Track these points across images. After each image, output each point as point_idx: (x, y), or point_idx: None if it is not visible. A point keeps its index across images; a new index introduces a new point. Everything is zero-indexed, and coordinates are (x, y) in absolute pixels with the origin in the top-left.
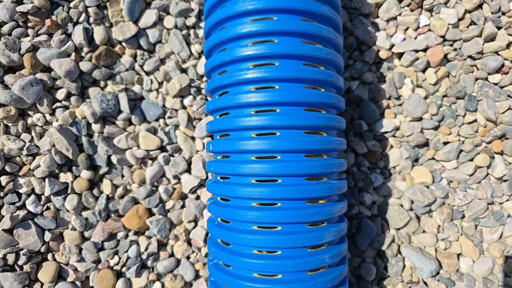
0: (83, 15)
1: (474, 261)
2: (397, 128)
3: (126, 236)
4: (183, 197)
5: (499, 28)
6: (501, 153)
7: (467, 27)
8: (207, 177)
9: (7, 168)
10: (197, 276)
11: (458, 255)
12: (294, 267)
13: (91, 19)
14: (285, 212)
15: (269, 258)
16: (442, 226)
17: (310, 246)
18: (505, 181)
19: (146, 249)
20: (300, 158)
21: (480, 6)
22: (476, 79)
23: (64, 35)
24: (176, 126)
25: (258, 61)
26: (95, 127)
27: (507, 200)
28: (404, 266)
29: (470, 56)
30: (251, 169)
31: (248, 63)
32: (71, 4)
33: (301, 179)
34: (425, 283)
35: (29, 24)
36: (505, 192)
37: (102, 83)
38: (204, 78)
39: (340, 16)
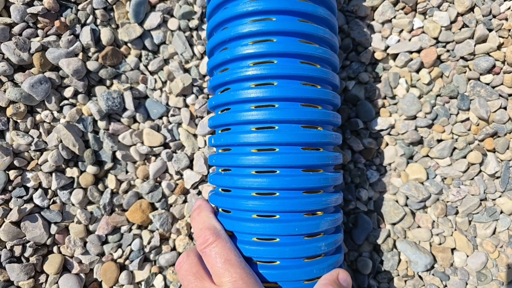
0: (91, 17)
1: (468, 256)
2: (392, 126)
3: (130, 229)
4: (185, 192)
5: (490, 30)
6: (493, 151)
7: (459, 29)
8: (208, 173)
9: (15, 163)
10: None
11: (452, 249)
12: (291, 254)
13: (98, 21)
14: (283, 201)
15: (268, 245)
16: (437, 222)
17: (307, 234)
18: (497, 177)
19: (149, 242)
20: (298, 150)
21: (471, 9)
22: (469, 79)
23: (72, 35)
24: (179, 124)
25: (257, 59)
26: (101, 124)
27: (500, 196)
28: (399, 260)
29: (462, 57)
30: (251, 160)
31: (248, 61)
32: (79, 6)
33: (298, 170)
34: (420, 277)
35: (39, 25)
36: (498, 188)
37: (108, 82)
38: (206, 78)
39: (336, 18)
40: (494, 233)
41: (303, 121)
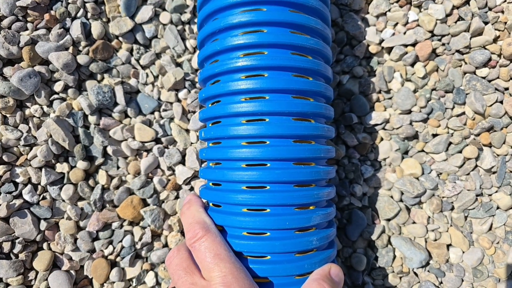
0: (81, 10)
1: (463, 252)
2: (387, 121)
3: (121, 226)
4: (177, 188)
5: (486, 23)
6: (489, 145)
7: (455, 22)
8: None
9: (4, 158)
10: None
11: (448, 245)
12: (282, 248)
13: (89, 14)
14: (273, 194)
15: (258, 239)
16: (432, 217)
17: (298, 228)
18: (493, 172)
19: (140, 239)
20: (289, 143)
21: (467, 2)
22: (464, 73)
23: (62, 29)
24: (171, 119)
25: (248, 50)
26: (92, 119)
27: (496, 192)
28: (394, 256)
29: (458, 51)
30: (241, 153)
31: (239, 52)
32: (70, 0)
33: (289, 163)
34: (415, 273)
35: (29, 19)
36: (494, 183)
37: (98, 76)
38: (199, 72)
39: (329, 9)
40: (490, 229)
41: (294, 113)
